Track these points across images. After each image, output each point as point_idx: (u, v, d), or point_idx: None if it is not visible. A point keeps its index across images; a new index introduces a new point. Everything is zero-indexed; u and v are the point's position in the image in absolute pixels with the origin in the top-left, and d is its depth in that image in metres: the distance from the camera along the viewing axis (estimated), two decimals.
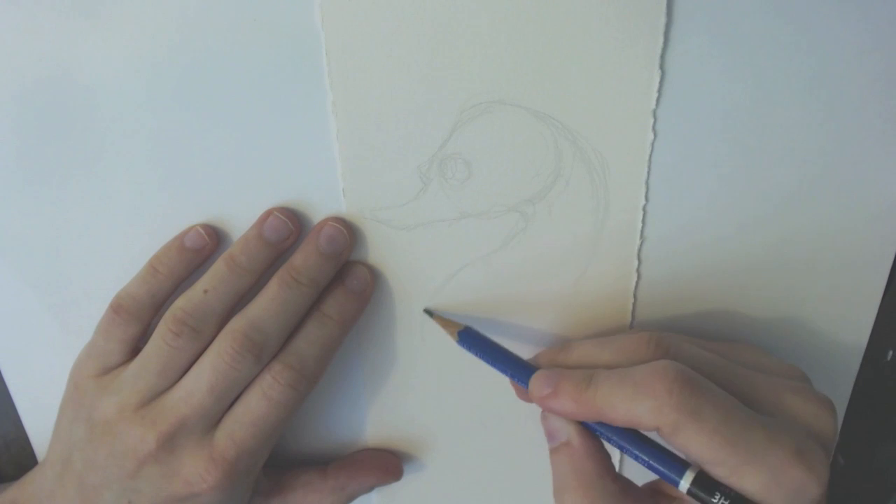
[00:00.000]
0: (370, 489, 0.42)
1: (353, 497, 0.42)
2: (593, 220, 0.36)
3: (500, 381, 0.35)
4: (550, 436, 0.33)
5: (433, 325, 0.38)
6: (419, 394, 0.41)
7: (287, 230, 0.35)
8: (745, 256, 0.37)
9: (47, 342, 0.39)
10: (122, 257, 0.36)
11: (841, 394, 0.41)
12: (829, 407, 0.31)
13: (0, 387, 0.41)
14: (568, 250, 0.37)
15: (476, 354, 0.36)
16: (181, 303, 0.34)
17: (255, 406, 0.34)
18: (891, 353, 0.41)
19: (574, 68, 0.32)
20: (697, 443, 0.29)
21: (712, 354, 0.33)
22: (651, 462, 0.31)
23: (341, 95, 0.33)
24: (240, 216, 0.36)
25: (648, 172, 0.34)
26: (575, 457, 0.32)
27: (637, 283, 0.37)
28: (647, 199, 0.35)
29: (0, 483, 0.42)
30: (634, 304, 0.38)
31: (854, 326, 0.39)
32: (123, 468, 0.34)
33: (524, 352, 0.39)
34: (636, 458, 0.31)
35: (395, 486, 0.44)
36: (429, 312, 0.38)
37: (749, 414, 0.29)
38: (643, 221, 0.36)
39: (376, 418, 0.42)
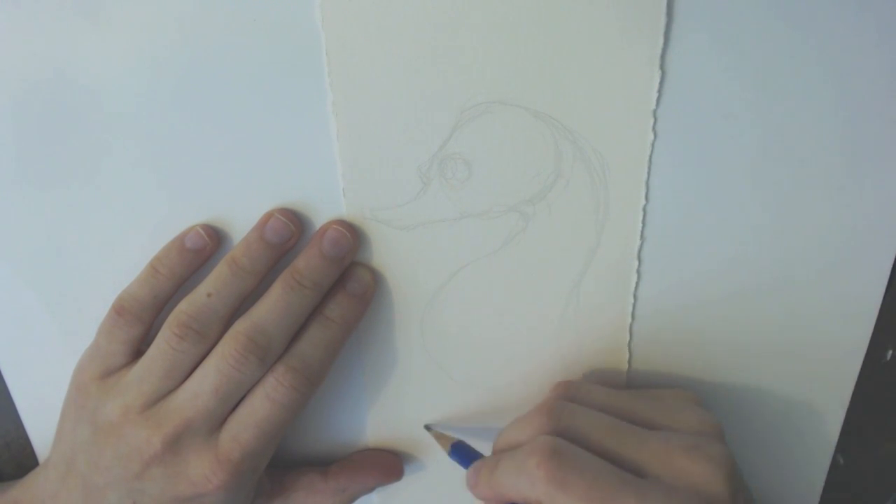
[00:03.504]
0: (371, 489, 0.42)
1: (355, 497, 0.42)
2: (593, 221, 0.36)
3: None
4: None
5: (433, 324, 0.39)
6: (419, 393, 0.41)
7: (288, 231, 0.35)
8: (745, 256, 0.37)
9: (47, 342, 0.39)
10: (123, 258, 0.36)
11: (841, 394, 0.41)
12: (722, 467, 0.31)
13: (0, 387, 0.41)
14: (568, 250, 0.37)
15: (462, 465, 0.38)
16: (184, 306, 0.34)
17: (259, 408, 0.34)
18: (891, 353, 0.41)
19: (574, 68, 0.32)
20: None
21: (606, 417, 0.34)
22: None
23: (341, 95, 0.33)
24: (240, 216, 0.36)
25: (649, 173, 0.34)
26: None
27: (637, 283, 0.37)
28: (647, 199, 0.35)
29: (0, 482, 0.42)
30: (634, 305, 0.38)
31: (854, 326, 0.39)
32: (128, 469, 0.34)
33: (523, 352, 0.39)
34: None
35: (395, 486, 0.44)
36: (427, 428, 0.41)
37: (621, 479, 0.30)
38: (643, 222, 0.36)
39: (377, 417, 0.42)
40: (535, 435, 0.33)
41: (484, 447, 0.38)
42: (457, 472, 0.36)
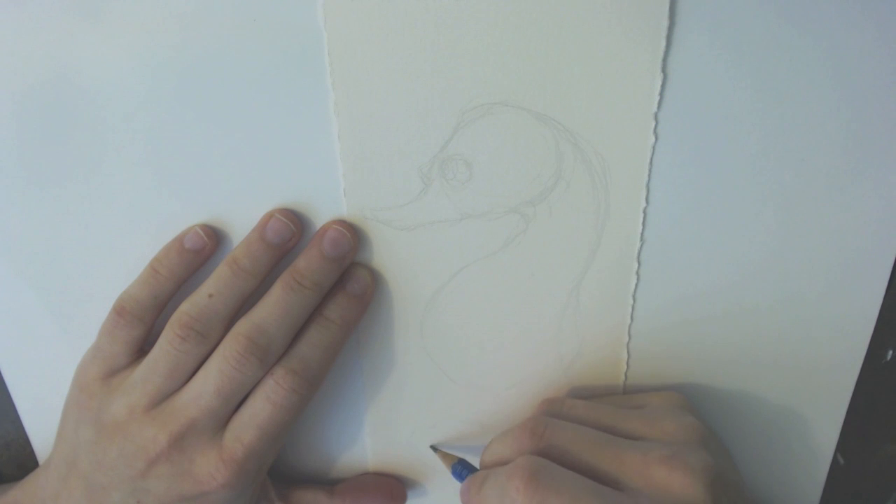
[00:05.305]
0: None
1: None
2: (594, 223, 0.36)
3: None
4: None
5: (433, 325, 0.39)
6: (418, 394, 0.41)
7: (289, 232, 0.35)
8: (746, 257, 0.37)
9: (47, 343, 0.39)
10: (123, 258, 0.36)
11: (841, 394, 0.41)
12: (701, 476, 0.31)
13: (0, 387, 0.41)
14: (568, 252, 0.37)
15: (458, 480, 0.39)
16: (186, 307, 0.34)
17: (260, 410, 0.34)
18: (891, 353, 0.41)
19: (576, 70, 0.32)
20: None
21: (586, 431, 0.34)
22: None
23: (343, 95, 0.33)
24: (241, 216, 0.36)
25: (649, 175, 0.34)
26: None
27: (637, 285, 0.37)
28: (647, 201, 0.35)
29: (0, 483, 0.42)
30: (634, 307, 0.38)
31: (855, 326, 0.39)
32: (134, 468, 0.34)
33: (523, 353, 0.39)
34: None
35: None
36: (433, 448, 0.42)
37: (599, 495, 0.30)
38: (643, 224, 0.36)
39: (376, 418, 0.42)
40: (517, 452, 0.33)
41: None
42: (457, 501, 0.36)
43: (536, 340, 0.39)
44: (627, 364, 0.40)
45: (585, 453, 0.33)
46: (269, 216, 0.35)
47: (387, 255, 0.37)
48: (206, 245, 0.36)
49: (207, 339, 0.34)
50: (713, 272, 0.37)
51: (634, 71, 0.32)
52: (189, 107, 0.33)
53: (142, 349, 0.36)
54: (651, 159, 0.34)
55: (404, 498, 0.44)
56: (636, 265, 0.37)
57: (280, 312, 0.34)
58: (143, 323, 0.35)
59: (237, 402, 0.35)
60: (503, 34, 0.31)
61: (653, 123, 0.33)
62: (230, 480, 0.34)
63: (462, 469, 0.39)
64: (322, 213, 0.36)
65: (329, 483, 0.43)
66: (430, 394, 0.41)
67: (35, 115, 0.33)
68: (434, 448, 0.42)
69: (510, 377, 0.40)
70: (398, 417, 0.42)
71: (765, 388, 0.41)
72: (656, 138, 0.34)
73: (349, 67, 0.32)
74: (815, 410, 0.42)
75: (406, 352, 0.40)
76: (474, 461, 0.39)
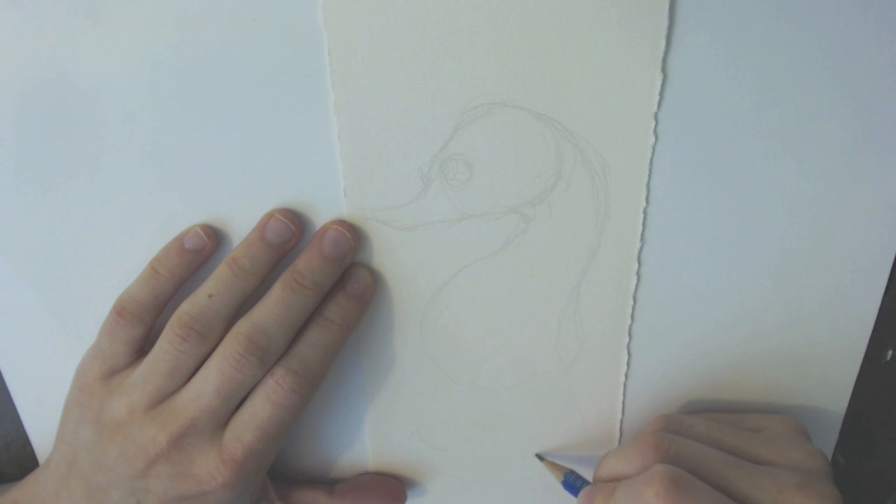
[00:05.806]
0: None
1: None
2: (594, 223, 0.36)
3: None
4: None
5: (433, 325, 0.39)
6: (418, 394, 0.41)
7: (289, 232, 0.35)
8: (746, 257, 0.37)
9: (47, 342, 0.39)
10: (123, 258, 0.36)
11: (841, 394, 0.41)
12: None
13: (0, 387, 0.41)
14: (568, 252, 0.37)
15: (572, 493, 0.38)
16: (187, 307, 0.34)
17: (260, 410, 0.34)
18: (891, 352, 0.41)
19: (576, 70, 0.32)
20: None
21: (714, 451, 0.34)
22: None
23: (343, 95, 0.33)
24: (241, 216, 0.36)
25: (649, 175, 0.34)
26: None
27: (637, 285, 0.37)
28: (647, 201, 0.35)
29: (0, 483, 0.42)
30: (634, 307, 0.38)
31: (854, 326, 0.39)
32: (134, 467, 0.34)
33: (522, 354, 0.39)
34: None
35: None
36: (539, 457, 0.42)
37: None
38: (644, 224, 0.36)
39: (375, 418, 0.42)
40: (643, 466, 0.33)
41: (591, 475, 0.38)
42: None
43: (536, 340, 0.39)
44: (628, 364, 0.40)
45: (717, 472, 0.32)
46: (269, 216, 0.35)
47: (387, 255, 0.37)
48: (207, 245, 0.36)
49: (207, 339, 0.34)
50: (713, 272, 0.37)
51: (634, 71, 0.32)
52: (189, 107, 0.33)
53: (142, 349, 0.36)
54: (651, 159, 0.34)
55: (404, 498, 0.44)
56: (636, 265, 0.37)
57: (280, 312, 0.34)
58: (143, 323, 0.35)
59: (237, 402, 0.35)
60: (503, 34, 0.31)
61: (653, 123, 0.33)
62: (230, 480, 0.34)
63: (575, 480, 0.38)
64: (322, 213, 0.36)
65: (329, 483, 0.43)
66: (430, 394, 0.41)
67: (35, 115, 0.33)
68: (540, 457, 0.42)
69: (510, 377, 0.40)
70: (398, 417, 0.42)
71: (765, 389, 0.41)
72: (656, 138, 0.34)
73: (349, 67, 0.32)
74: (815, 410, 0.42)
75: (406, 352, 0.40)
76: (584, 473, 0.39)
